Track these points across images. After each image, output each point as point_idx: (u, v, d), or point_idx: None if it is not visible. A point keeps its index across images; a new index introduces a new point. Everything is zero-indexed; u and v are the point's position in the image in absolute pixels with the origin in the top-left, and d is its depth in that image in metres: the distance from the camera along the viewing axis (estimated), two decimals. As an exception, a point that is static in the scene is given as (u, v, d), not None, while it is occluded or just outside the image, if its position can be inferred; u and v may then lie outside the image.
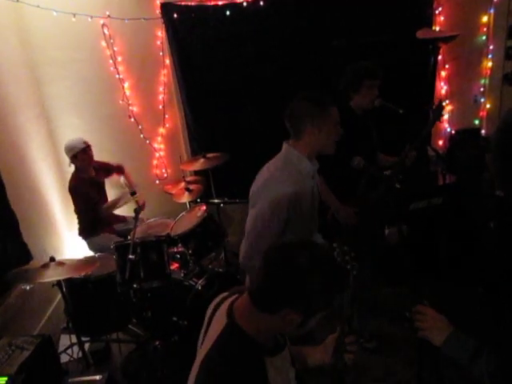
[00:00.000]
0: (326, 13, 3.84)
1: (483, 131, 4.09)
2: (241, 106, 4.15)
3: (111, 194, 4.08)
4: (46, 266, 2.65)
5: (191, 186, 3.80)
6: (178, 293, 3.20)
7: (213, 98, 4.16)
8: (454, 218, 3.48)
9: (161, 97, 4.21)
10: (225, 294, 1.47)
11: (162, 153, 4.44)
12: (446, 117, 4.05)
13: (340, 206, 2.78)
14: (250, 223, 2.09)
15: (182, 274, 3.34)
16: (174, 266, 3.44)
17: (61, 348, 3.26)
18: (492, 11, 3.80)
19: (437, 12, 3.81)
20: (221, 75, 4.09)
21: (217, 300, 1.46)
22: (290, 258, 1.22)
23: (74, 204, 3.72)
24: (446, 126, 4.12)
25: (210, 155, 3.84)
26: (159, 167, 4.49)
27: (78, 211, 3.76)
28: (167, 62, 4.10)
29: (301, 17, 3.87)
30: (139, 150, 4.39)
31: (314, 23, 3.87)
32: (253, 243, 2.07)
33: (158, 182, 4.48)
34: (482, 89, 4.03)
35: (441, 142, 4.19)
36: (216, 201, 3.97)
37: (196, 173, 4.19)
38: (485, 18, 3.84)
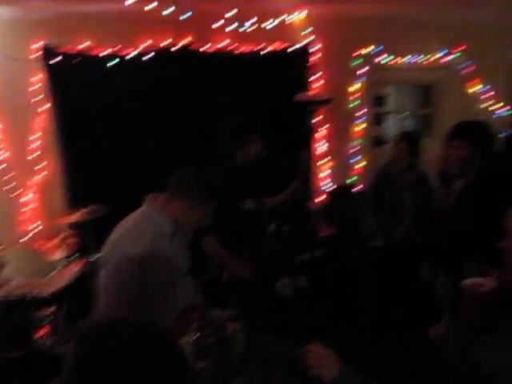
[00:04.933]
0: (211, 72, 3.98)
1: (358, 187, 4.47)
2: (121, 158, 3.97)
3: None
4: None
5: (67, 241, 3.46)
6: (46, 364, 2.78)
7: (93, 148, 3.92)
8: (334, 268, 3.66)
9: (35, 145, 3.87)
10: None
11: (32, 205, 3.99)
12: (326, 174, 4.44)
13: (234, 261, 2.73)
14: (101, 289, 1.81)
15: (51, 341, 2.93)
16: (44, 330, 3.02)
17: None
18: (360, 82, 4.31)
19: (312, 78, 4.21)
20: (100, 126, 3.91)
21: None
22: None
23: None
24: (326, 182, 4.47)
25: (87, 208, 3.52)
26: (28, 222, 4.01)
27: None
28: (46, 107, 3.84)
29: (184, 74, 3.93)
30: (2, 203, 3.89)
31: (198, 81, 3.95)
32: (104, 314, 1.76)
33: (24, 239, 3.94)
34: (355, 149, 4.46)
35: (322, 198, 4.47)
36: (94, 256, 3.64)
37: (71, 226, 3.81)
38: (355, 87, 4.32)
